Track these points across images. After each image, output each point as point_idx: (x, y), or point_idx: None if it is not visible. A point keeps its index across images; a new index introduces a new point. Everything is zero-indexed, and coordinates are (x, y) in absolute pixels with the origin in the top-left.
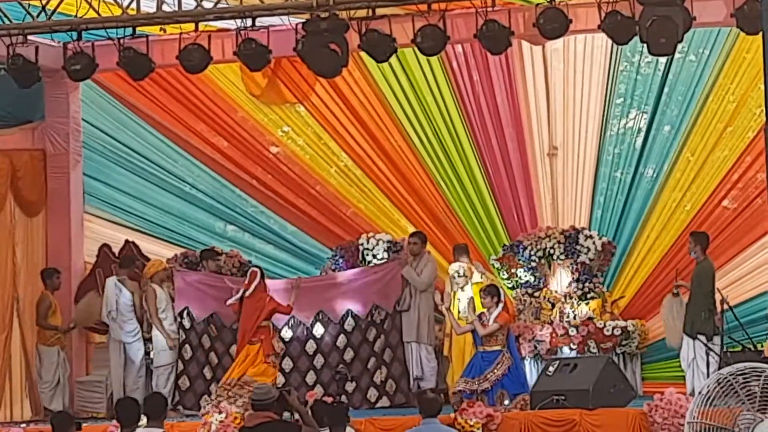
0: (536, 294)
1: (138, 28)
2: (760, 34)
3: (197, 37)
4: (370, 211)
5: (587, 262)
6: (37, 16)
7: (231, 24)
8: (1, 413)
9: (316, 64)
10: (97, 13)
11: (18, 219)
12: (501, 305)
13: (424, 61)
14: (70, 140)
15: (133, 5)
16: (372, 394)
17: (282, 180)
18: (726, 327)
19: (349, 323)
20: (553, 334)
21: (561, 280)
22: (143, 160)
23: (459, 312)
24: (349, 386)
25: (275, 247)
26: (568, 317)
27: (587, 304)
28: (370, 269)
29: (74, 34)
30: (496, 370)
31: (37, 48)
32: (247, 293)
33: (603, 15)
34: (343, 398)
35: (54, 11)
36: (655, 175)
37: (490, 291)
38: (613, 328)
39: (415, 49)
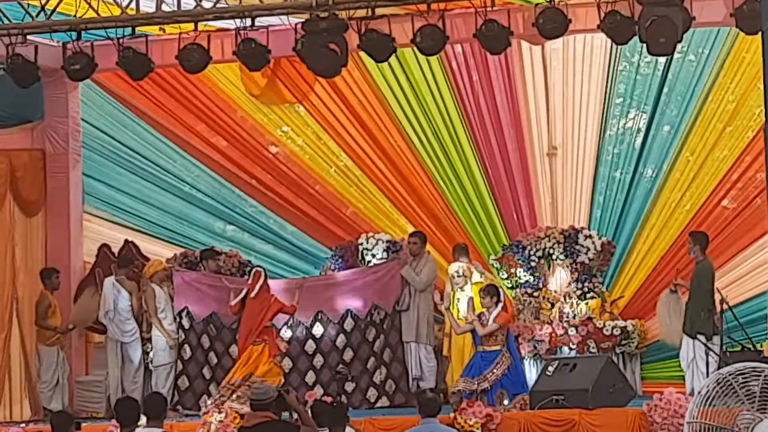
0: (536, 294)
1: (137, 28)
2: (760, 34)
3: (196, 37)
4: (370, 211)
5: (587, 261)
6: (37, 15)
7: (230, 24)
8: (1, 413)
9: (315, 64)
10: (97, 12)
11: (17, 219)
12: (500, 305)
13: (423, 61)
14: (70, 140)
15: (133, 5)
16: (371, 394)
17: (281, 180)
18: (725, 327)
19: (349, 323)
20: (553, 334)
21: (560, 279)
22: (143, 159)
23: (458, 312)
24: (349, 386)
25: (275, 247)
26: (567, 317)
27: (587, 303)
28: (369, 269)
29: (74, 34)
30: (495, 370)
31: (36, 48)
32: (252, 294)
33: (602, 15)
34: (343, 398)
35: (53, 11)
36: (654, 175)
37: (490, 291)
38: (613, 328)
39: (415, 48)
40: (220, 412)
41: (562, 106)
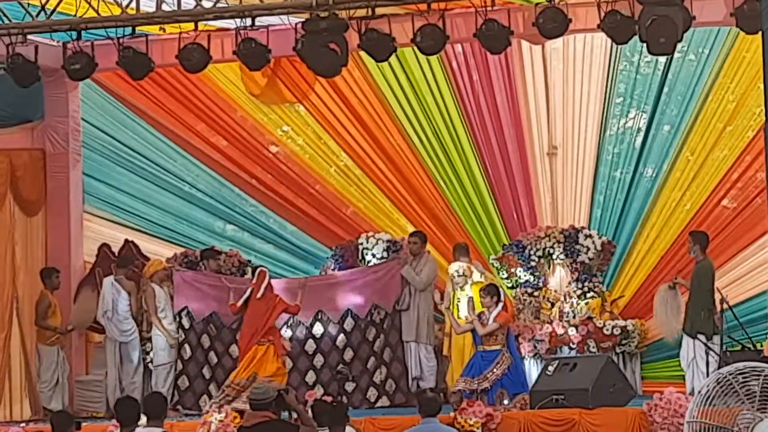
0: (536, 293)
1: (137, 28)
2: (760, 33)
3: (197, 37)
4: (370, 210)
5: (587, 261)
6: (37, 15)
7: (230, 23)
8: (1, 412)
9: (315, 64)
10: (97, 12)
11: (17, 218)
12: (501, 305)
13: (423, 61)
14: (70, 140)
15: (133, 5)
16: (372, 393)
17: (281, 179)
18: (725, 326)
19: (349, 323)
20: (553, 334)
21: (560, 279)
22: (143, 159)
23: (459, 311)
24: (349, 386)
25: (275, 247)
26: (567, 317)
27: (587, 303)
28: (369, 269)
29: (74, 34)
30: (495, 370)
31: (36, 47)
32: (258, 294)
33: (602, 14)
34: (343, 398)
35: (53, 11)
36: (654, 175)
37: (490, 290)
38: (613, 328)
39: (415, 48)
40: (220, 412)
41: (562, 105)
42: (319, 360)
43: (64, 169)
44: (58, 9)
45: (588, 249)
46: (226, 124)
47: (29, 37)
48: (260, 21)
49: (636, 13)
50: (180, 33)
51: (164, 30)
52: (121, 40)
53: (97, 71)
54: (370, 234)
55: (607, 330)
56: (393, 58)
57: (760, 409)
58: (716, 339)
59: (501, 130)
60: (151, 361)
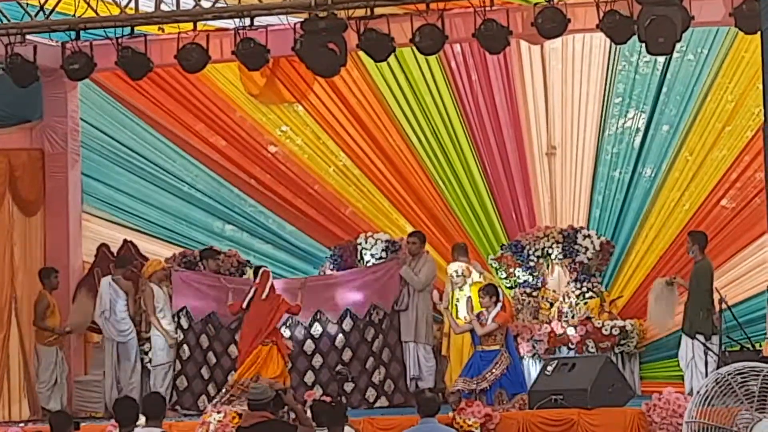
0: (534, 293)
1: (136, 28)
2: (759, 33)
3: (195, 37)
4: (369, 210)
5: (585, 261)
6: (36, 15)
7: (229, 23)
8: (0, 413)
9: (314, 64)
10: (96, 12)
11: (16, 218)
12: (500, 305)
13: (422, 61)
14: (69, 140)
15: (132, 5)
16: (370, 394)
17: (280, 179)
18: (724, 326)
19: (348, 323)
20: (552, 334)
21: (559, 279)
22: (142, 159)
23: (457, 311)
24: (348, 386)
25: (273, 247)
26: (566, 317)
27: (585, 303)
28: (368, 269)
29: (72, 34)
30: (494, 370)
31: (35, 47)
32: (264, 295)
33: (601, 14)
34: (342, 398)
35: (52, 11)
36: (653, 175)
37: (489, 291)
38: (612, 328)
39: (414, 48)
40: (219, 412)
41: (561, 105)
42: (317, 360)
43: (63, 169)
44: (57, 9)
45: (587, 249)
46: (225, 124)
47: (28, 37)
48: (259, 21)
49: (635, 13)
50: (179, 33)
51: (163, 30)
52: (119, 40)
53: (95, 71)
54: (369, 234)
55: (606, 330)
56: (392, 58)
57: (759, 410)
58: (715, 339)
59: (500, 130)
60: (150, 361)
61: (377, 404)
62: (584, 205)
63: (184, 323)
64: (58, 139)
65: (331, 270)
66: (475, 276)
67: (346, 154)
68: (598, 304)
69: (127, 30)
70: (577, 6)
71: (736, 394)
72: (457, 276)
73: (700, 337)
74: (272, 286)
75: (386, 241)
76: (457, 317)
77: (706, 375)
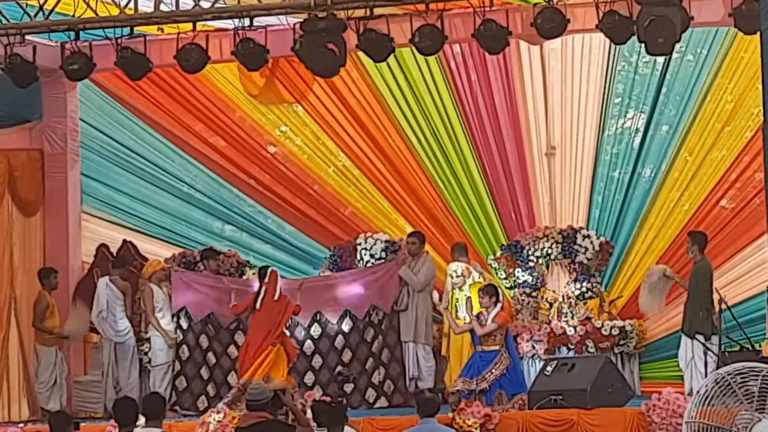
0: (534, 294)
1: (136, 28)
2: (758, 33)
3: (195, 37)
4: (368, 210)
5: (585, 261)
6: (35, 15)
7: (229, 24)
8: None
9: (313, 64)
10: (95, 12)
11: (15, 219)
12: (499, 305)
13: (422, 61)
14: (68, 140)
15: (131, 5)
16: (370, 394)
17: (280, 180)
18: (724, 327)
19: (347, 323)
20: (551, 334)
21: (559, 279)
22: (141, 159)
23: (457, 312)
24: (347, 386)
25: (273, 247)
26: (566, 317)
27: (585, 303)
28: (367, 270)
29: (72, 34)
30: (494, 370)
31: (34, 48)
32: (276, 295)
33: (601, 15)
34: (342, 399)
35: (51, 11)
36: (653, 175)
37: (489, 291)
38: (611, 328)
39: (413, 48)
40: (218, 412)
41: (560, 106)
42: (317, 361)
43: (62, 169)
44: (56, 9)
45: (586, 249)
46: (225, 124)
47: (27, 37)
48: (258, 21)
49: (634, 14)
50: (178, 33)
51: (162, 30)
52: (119, 41)
53: (95, 71)
54: (369, 234)
55: (606, 330)
56: (391, 59)
57: (759, 410)
58: (714, 339)
59: (499, 130)
60: (150, 362)
61: (377, 405)
62: (584, 206)
63: (184, 323)
64: (57, 139)
65: (331, 270)
66: (475, 276)
67: (345, 155)
68: (598, 304)
69: (127, 30)
70: (577, 6)
71: (736, 394)
72: (457, 276)
73: (700, 338)
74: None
75: (386, 241)
76: (457, 317)
77: (706, 375)
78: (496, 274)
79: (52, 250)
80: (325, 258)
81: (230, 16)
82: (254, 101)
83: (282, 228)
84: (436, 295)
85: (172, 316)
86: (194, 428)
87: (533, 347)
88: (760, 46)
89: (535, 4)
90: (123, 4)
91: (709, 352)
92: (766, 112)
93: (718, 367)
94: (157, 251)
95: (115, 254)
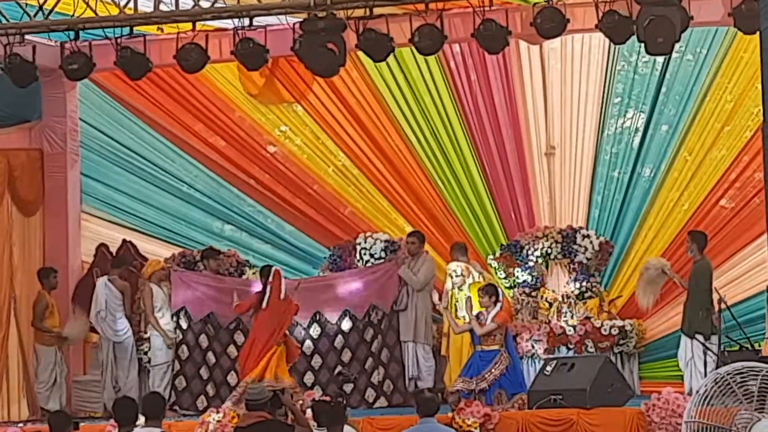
0: (534, 293)
1: (135, 28)
2: (758, 33)
3: (194, 37)
4: (368, 210)
5: (585, 261)
6: (35, 15)
7: (228, 23)
8: None
9: (313, 64)
10: (95, 12)
11: (15, 218)
12: (499, 305)
13: (421, 61)
14: (68, 140)
15: (131, 5)
16: (369, 394)
17: (279, 179)
18: (723, 326)
19: (347, 323)
20: (551, 334)
21: (558, 279)
22: (141, 159)
23: (457, 311)
24: (347, 386)
25: (273, 247)
26: (565, 317)
27: (585, 303)
28: (367, 270)
29: (71, 34)
30: (493, 370)
31: (34, 47)
32: (282, 294)
33: (600, 14)
34: (342, 398)
35: (51, 11)
36: (652, 175)
37: (489, 290)
38: (611, 328)
39: (413, 48)
40: (218, 412)
41: (560, 105)
42: (317, 361)
43: (62, 169)
44: (56, 9)
45: (586, 249)
46: (224, 124)
47: (27, 37)
48: (258, 21)
49: (634, 13)
50: (178, 33)
51: (162, 30)
52: (118, 40)
53: (94, 71)
54: (368, 234)
55: (605, 330)
56: (391, 58)
57: (758, 409)
58: (714, 339)
59: (499, 130)
60: (149, 361)
61: (376, 404)
62: (583, 205)
63: (183, 323)
64: (57, 139)
65: (331, 270)
66: (475, 276)
67: (345, 154)
68: (597, 304)
69: (126, 30)
70: (576, 6)
71: (735, 394)
72: (457, 276)
73: (700, 337)
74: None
75: (385, 241)
76: (457, 317)
77: (705, 375)
78: (496, 273)
79: (52, 249)
80: (325, 258)
81: (230, 15)
82: (254, 101)
83: (282, 228)
84: (435, 295)
85: (172, 315)
86: (194, 428)
87: (533, 347)
88: (759, 46)
89: (535, 4)
90: (123, 3)
91: (708, 352)
92: (765, 111)
93: (717, 367)
94: (156, 251)
95: (114, 254)
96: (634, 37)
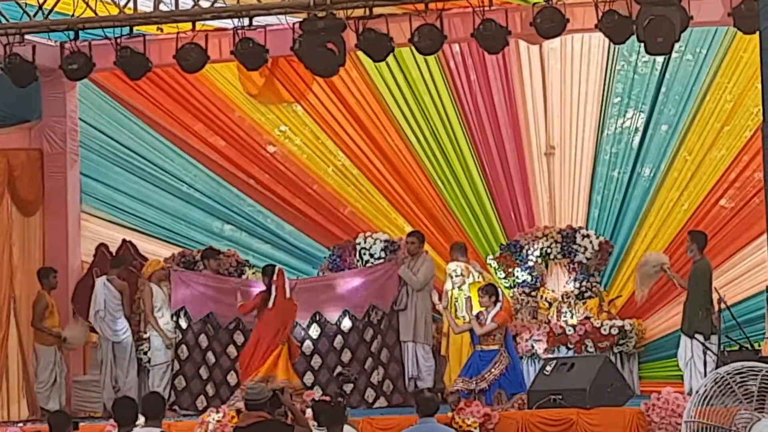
0: (533, 293)
1: (135, 28)
2: (758, 33)
3: (194, 37)
4: (368, 210)
5: (584, 261)
6: (34, 15)
7: (228, 23)
8: None
9: (313, 64)
10: (95, 12)
11: (15, 218)
12: (499, 305)
13: (421, 61)
14: (67, 139)
15: (130, 5)
16: (369, 394)
17: (279, 179)
18: (723, 326)
19: (346, 324)
20: (551, 334)
21: (558, 279)
22: (140, 159)
23: (457, 311)
24: (347, 386)
25: (272, 247)
26: (565, 317)
27: (584, 303)
28: (366, 270)
29: (71, 34)
30: (493, 370)
31: (34, 47)
32: (288, 293)
33: (600, 14)
34: (342, 399)
35: (51, 10)
36: (652, 175)
37: (489, 290)
38: (611, 328)
39: (413, 48)
40: (217, 412)
41: (559, 105)
42: (316, 361)
43: (62, 169)
44: (56, 9)
45: (585, 249)
46: (224, 124)
47: (27, 37)
48: (258, 21)
49: (633, 13)
50: (177, 33)
51: (162, 30)
52: (118, 40)
53: (94, 71)
54: (368, 234)
55: (605, 330)
56: (390, 58)
57: (758, 409)
58: (714, 339)
59: (498, 130)
60: (149, 361)
61: (376, 405)
62: (583, 205)
63: (183, 323)
64: (56, 139)
65: (330, 270)
66: (475, 275)
67: (344, 154)
68: (597, 303)
69: (126, 30)
70: (576, 6)
71: (735, 393)
72: (456, 276)
73: (699, 337)
74: None
75: (385, 240)
76: (456, 317)
77: (705, 375)
78: (496, 273)
79: (52, 249)
80: (325, 258)
81: (229, 15)
82: (253, 101)
83: (281, 227)
84: (435, 295)
85: (172, 315)
86: (193, 428)
87: (532, 347)
88: (759, 46)
89: (535, 4)
90: (122, 3)
91: (708, 352)
92: (765, 111)
93: (717, 367)
94: (156, 251)
95: (114, 254)
96: (633, 37)
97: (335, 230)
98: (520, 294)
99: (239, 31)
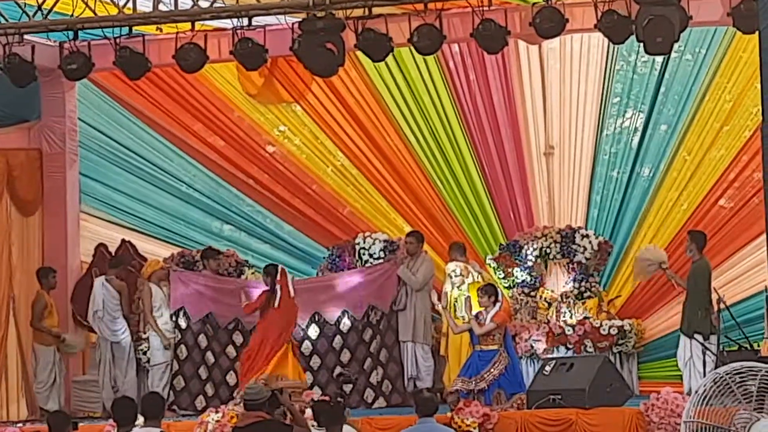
0: (533, 293)
1: (134, 28)
2: (757, 33)
3: (193, 37)
4: (367, 210)
5: (584, 261)
6: (34, 15)
7: (227, 23)
8: None
9: (312, 64)
10: (94, 12)
11: (14, 218)
12: (498, 305)
13: (420, 61)
14: (67, 139)
15: (130, 4)
16: (368, 394)
17: (278, 179)
18: (722, 326)
19: (345, 324)
20: (550, 334)
21: (557, 279)
22: (140, 159)
23: (456, 311)
24: (346, 387)
25: (272, 247)
26: (564, 317)
27: (584, 303)
28: (365, 270)
29: (70, 34)
30: (492, 370)
31: (33, 47)
32: (292, 292)
33: (599, 14)
34: (341, 399)
35: (50, 10)
36: (651, 175)
37: (488, 290)
38: (610, 328)
39: (412, 48)
40: (217, 412)
41: (559, 105)
42: (315, 361)
43: (61, 169)
44: (55, 9)
45: (585, 249)
46: (223, 124)
47: (26, 37)
48: (257, 21)
49: (633, 13)
50: (177, 33)
51: (161, 30)
52: (117, 40)
53: (93, 71)
54: (367, 234)
55: (604, 330)
56: (390, 58)
57: (757, 409)
58: (713, 339)
59: (498, 129)
60: (148, 361)
61: (375, 405)
62: (582, 205)
63: (182, 323)
64: (56, 139)
65: (330, 270)
66: (474, 275)
67: (344, 154)
68: (596, 303)
69: (125, 30)
70: (575, 6)
71: (734, 393)
72: (456, 276)
73: (699, 337)
74: None
75: (384, 240)
76: (456, 317)
77: (704, 375)
78: (495, 273)
79: (51, 249)
80: (324, 257)
81: (229, 15)
82: (253, 101)
83: (281, 227)
84: (434, 295)
85: (171, 315)
86: (192, 428)
87: (532, 347)
88: (758, 46)
89: (534, 4)
90: (121, 3)
91: (707, 352)
92: (764, 111)
93: (716, 367)
94: (155, 251)
95: (113, 254)
96: (633, 37)
97: (334, 230)
98: (519, 294)
99: (238, 31)
